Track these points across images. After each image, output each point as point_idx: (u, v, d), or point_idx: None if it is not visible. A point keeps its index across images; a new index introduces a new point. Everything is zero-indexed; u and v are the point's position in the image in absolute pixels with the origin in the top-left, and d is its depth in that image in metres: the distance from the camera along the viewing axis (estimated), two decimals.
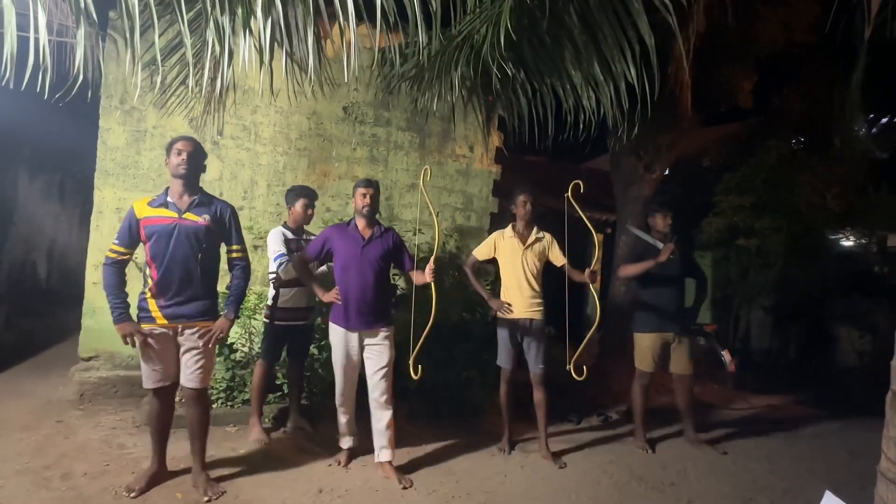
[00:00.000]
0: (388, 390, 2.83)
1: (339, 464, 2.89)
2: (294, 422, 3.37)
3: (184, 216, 2.40)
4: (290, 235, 3.22)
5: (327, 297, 2.79)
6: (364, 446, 2.96)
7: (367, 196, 2.83)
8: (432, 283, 2.71)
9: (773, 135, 6.43)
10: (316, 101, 3.86)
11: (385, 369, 2.82)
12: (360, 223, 2.88)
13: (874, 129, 6.60)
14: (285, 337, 3.28)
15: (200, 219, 2.42)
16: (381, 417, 2.81)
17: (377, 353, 2.83)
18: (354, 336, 2.80)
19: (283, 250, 3.11)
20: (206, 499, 2.44)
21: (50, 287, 7.99)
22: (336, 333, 2.83)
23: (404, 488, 2.69)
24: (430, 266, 2.72)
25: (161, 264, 2.36)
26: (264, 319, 3.30)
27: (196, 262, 2.40)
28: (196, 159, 2.46)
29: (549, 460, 3.16)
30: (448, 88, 2.85)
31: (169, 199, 2.42)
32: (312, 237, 3.35)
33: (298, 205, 3.26)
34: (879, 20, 2.22)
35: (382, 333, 2.83)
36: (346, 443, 2.94)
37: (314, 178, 4.39)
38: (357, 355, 2.83)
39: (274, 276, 3.12)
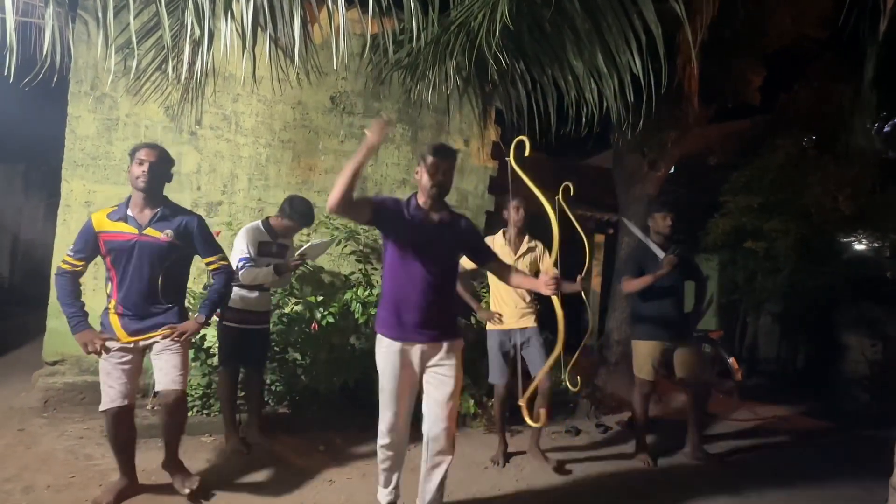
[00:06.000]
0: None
1: None
2: (248, 436, 3.18)
3: (144, 232, 2.37)
4: (266, 237, 3.15)
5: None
6: (348, 457, 2.94)
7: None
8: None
9: (781, 133, 6.51)
10: (301, 90, 3.83)
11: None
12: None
13: (887, 128, 6.69)
14: (241, 339, 3.15)
15: (162, 235, 2.39)
16: None
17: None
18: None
19: (251, 254, 3.04)
20: (185, 490, 2.47)
21: (12, 286, 7.90)
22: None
23: None
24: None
25: (122, 282, 2.37)
26: (215, 318, 3.14)
27: (157, 280, 2.39)
28: (159, 170, 2.41)
29: (540, 459, 3.20)
30: (442, 78, 2.85)
31: (129, 212, 2.38)
32: (286, 242, 3.30)
33: (286, 223, 3.20)
34: (894, 14, 2.25)
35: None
36: (386, 496, 2.46)
37: (299, 172, 4.37)
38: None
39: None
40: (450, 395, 2.28)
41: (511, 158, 2.28)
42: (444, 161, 2.23)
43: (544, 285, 2.19)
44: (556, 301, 2.11)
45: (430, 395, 2.30)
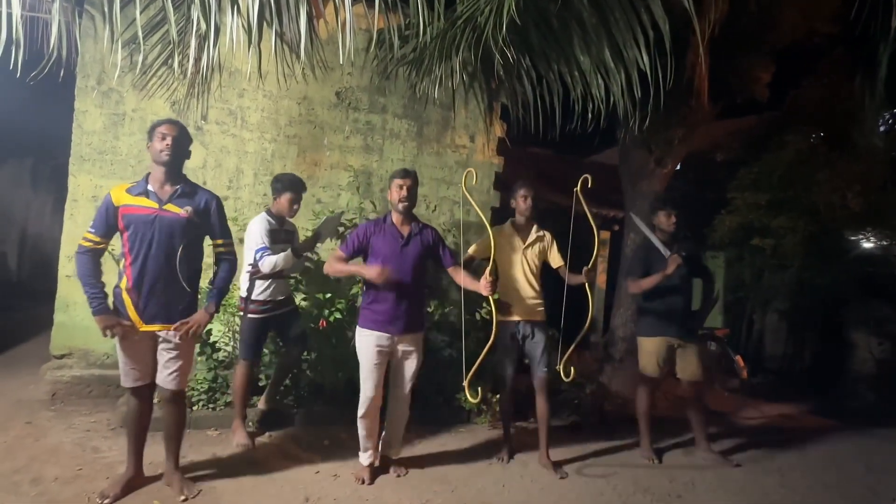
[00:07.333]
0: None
1: (361, 482, 2.83)
2: (266, 405, 3.44)
3: (165, 207, 2.37)
4: (273, 225, 3.18)
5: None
6: (353, 451, 2.95)
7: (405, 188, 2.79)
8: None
9: (790, 129, 6.45)
10: (307, 86, 3.83)
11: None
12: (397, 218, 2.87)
13: None
14: (265, 330, 3.26)
15: (182, 210, 2.39)
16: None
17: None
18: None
19: (266, 243, 3.07)
20: (181, 497, 2.47)
21: (21, 280, 7.97)
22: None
23: (398, 476, 2.92)
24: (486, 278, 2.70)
25: (138, 258, 2.34)
26: (239, 313, 3.27)
27: (176, 257, 2.37)
28: (181, 145, 2.43)
29: (550, 469, 3.17)
30: (448, 74, 2.84)
31: (150, 187, 2.39)
32: (290, 228, 3.35)
33: (284, 199, 3.21)
34: None
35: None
36: (366, 458, 2.89)
37: (304, 167, 4.37)
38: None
39: (251, 267, 3.09)
40: (413, 373, 2.86)
41: (463, 185, 2.80)
42: (406, 179, 2.77)
43: (483, 287, 2.67)
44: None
45: (399, 371, 2.85)
